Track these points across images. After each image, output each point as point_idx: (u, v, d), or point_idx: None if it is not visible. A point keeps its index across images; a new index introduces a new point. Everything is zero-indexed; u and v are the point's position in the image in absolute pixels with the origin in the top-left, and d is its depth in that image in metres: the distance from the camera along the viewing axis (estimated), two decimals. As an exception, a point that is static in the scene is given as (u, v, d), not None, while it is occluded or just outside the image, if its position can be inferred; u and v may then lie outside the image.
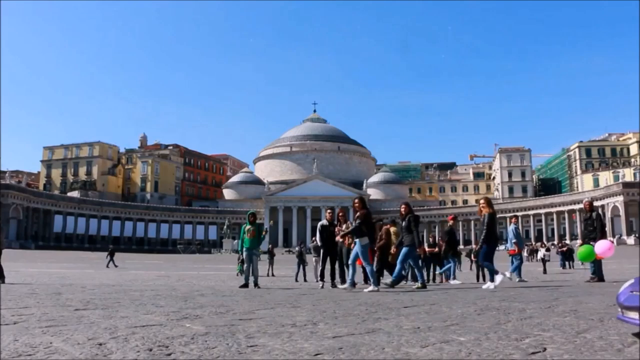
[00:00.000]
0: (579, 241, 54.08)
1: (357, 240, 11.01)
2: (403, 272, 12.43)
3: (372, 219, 11.79)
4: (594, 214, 13.56)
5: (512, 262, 15.71)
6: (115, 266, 31.29)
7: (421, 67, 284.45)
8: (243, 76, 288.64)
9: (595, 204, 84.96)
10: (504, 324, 5.24)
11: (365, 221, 11.00)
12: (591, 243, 13.07)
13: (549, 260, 27.75)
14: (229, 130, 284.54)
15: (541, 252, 27.58)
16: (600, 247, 12.13)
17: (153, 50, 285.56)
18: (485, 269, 12.86)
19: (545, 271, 23.56)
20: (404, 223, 11.65)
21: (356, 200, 11.60)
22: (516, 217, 17.20)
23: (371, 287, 10.66)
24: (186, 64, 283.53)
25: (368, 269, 11.25)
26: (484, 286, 11.48)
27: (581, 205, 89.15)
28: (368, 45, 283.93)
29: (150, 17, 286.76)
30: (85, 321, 5.55)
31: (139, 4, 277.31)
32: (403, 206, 11.88)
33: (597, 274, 13.04)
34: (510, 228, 15.97)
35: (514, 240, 15.58)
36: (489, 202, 11.50)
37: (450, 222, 17.38)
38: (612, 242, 13.22)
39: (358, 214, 11.13)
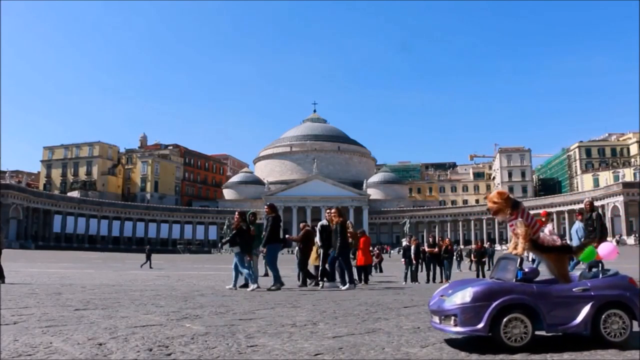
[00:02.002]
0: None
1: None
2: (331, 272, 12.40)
3: (280, 223, 11.92)
4: (594, 214, 13.52)
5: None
6: (150, 267, 30.34)
7: (421, 67, 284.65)
8: (243, 76, 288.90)
9: (595, 204, 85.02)
10: (504, 324, 5.24)
11: (274, 225, 11.37)
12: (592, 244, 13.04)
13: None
14: (229, 130, 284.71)
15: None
16: (604, 250, 12.09)
17: (153, 50, 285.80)
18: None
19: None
20: (226, 223, 11.92)
21: (266, 206, 12.17)
22: (581, 213, 16.37)
23: (346, 286, 11.28)
24: (186, 64, 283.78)
25: (245, 272, 11.61)
26: (343, 287, 11.62)
27: (581, 205, 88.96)
28: (368, 45, 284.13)
29: (150, 17, 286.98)
30: (85, 321, 5.55)
31: (139, 4, 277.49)
32: (333, 210, 12.05)
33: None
34: (578, 225, 14.79)
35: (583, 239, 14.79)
36: (339, 212, 11.89)
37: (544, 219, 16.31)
38: (615, 244, 13.09)
39: (233, 224, 11.82)
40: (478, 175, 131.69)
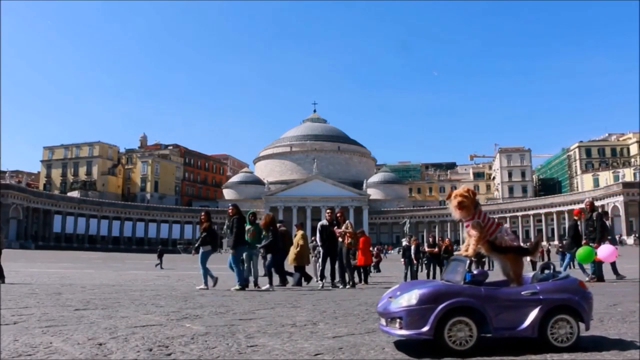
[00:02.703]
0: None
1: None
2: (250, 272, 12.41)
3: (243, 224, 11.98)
4: (594, 214, 13.50)
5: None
6: (161, 268, 30.24)
7: (421, 67, 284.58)
8: (243, 76, 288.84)
9: (595, 204, 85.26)
10: (504, 324, 5.24)
11: (240, 227, 11.55)
12: (590, 244, 13.03)
13: (538, 262, 26.77)
14: (229, 130, 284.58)
15: None
16: (603, 252, 12.09)
17: (153, 50, 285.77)
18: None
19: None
20: (226, 223, 12.01)
21: (230, 207, 12.29)
22: (582, 211, 16.00)
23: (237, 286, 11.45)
24: (186, 64, 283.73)
25: (202, 271, 11.77)
26: (264, 287, 11.66)
27: (581, 205, 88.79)
28: (368, 45, 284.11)
29: (151, 17, 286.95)
30: (85, 321, 5.56)
31: (139, 4, 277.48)
32: (230, 208, 12.18)
33: (597, 274, 13.00)
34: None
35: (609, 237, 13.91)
36: (238, 209, 12.02)
37: (576, 217, 15.80)
38: (615, 245, 13.03)
39: (204, 225, 12.08)
40: (478, 175, 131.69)
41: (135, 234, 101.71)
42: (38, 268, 24.77)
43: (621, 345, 4.09)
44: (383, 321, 3.95)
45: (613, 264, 13.28)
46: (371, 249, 19.78)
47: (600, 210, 14.47)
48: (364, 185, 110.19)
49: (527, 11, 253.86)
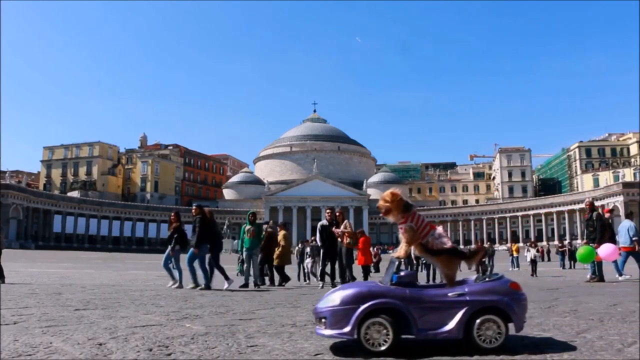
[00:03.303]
0: (578, 241, 53.90)
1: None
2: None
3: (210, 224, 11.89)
4: (594, 214, 13.48)
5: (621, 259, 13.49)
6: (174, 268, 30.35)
7: (421, 67, 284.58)
8: (243, 76, 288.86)
9: (595, 204, 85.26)
10: (504, 324, 5.24)
11: (202, 226, 11.41)
12: (590, 244, 13.01)
13: (538, 262, 24.97)
14: (229, 130, 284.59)
15: (531, 253, 24.54)
16: (604, 251, 12.06)
17: (153, 50, 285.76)
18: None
19: (534, 273, 21.88)
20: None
21: (193, 207, 12.11)
22: (611, 210, 15.80)
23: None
24: (186, 64, 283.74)
25: (176, 271, 11.81)
26: (169, 285, 11.59)
27: (581, 205, 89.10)
28: (368, 45, 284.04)
29: (151, 17, 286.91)
30: (85, 321, 5.56)
31: (139, 4, 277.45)
32: (194, 208, 12.05)
33: (598, 274, 12.98)
34: (630, 224, 13.41)
35: (635, 238, 13.11)
36: (201, 209, 11.88)
37: (607, 215, 14.77)
38: (616, 246, 12.90)
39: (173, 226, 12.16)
40: (478, 175, 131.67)
41: (135, 234, 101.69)
42: (38, 268, 24.75)
43: (553, 345, 4.07)
44: (314, 320, 3.99)
45: (615, 263, 13.19)
46: (371, 249, 19.78)
47: (609, 208, 14.41)
48: (364, 185, 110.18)
49: (527, 11, 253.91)
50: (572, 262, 30.99)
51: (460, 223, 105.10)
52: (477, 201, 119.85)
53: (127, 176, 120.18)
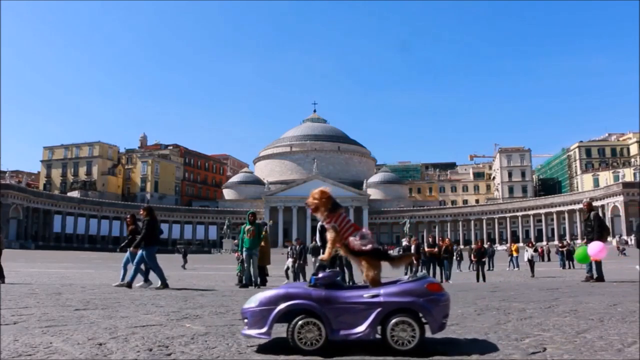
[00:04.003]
0: (578, 241, 53.82)
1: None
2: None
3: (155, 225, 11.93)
4: (592, 215, 13.49)
5: None
6: (184, 268, 30.33)
7: (421, 67, 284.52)
8: (243, 76, 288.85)
9: (595, 204, 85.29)
10: (504, 324, 5.24)
11: (149, 227, 11.51)
12: (587, 244, 13.02)
13: (536, 262, 25.18)
14: (229, 130, 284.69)
15: (528, 253, 24.37)
16: (592, 248, 12.11)
17: (153, 50, 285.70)
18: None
19: (532, 274, 21.23)
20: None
21: (142, 209, 12.12)
22: None
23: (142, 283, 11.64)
24: (186, 64, 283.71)
25: (133, 270, 11.76)
26: (138, 285, 11.62)
27: (582, 206, 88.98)
28: (368, 45, 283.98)
29: (150, 17, 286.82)
30: (85, 321, 5.55)
31: (139, 4, 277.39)
32: (142, 210, 12.10)
33: (598, 273, 12.96)
34: None
35: None
36: (149, 210, 11.98)
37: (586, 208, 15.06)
38: (607, 243, 12.92)
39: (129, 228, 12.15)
40: (478, 175, 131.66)
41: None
42: (38, 268, 24.78)
43: (472, 345, 4.04)
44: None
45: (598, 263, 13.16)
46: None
47: (587, 202, 14.34)
48: (364, 185, 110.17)
49: (527, 11, 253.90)
50: (571, 262, 30.98)
51: (460, 223, 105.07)
52: (477, 201, 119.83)
53: (127, 176, 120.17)
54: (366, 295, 3.74)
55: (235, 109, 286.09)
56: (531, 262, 22.68)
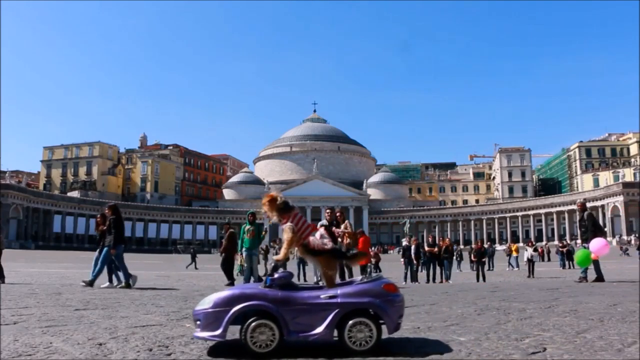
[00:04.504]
0: (579, 241, 53.75)
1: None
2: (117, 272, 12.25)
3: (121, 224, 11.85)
4: (585, 215, 13.41)
5: None
6: (196, 268, 30.44)
7: (421, 67, 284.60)
8: (243, 76, 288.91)
9: (595, 204, 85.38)
10: (504, 324, 5.24)
11: (118, 226, 11.47)
12: (584, 245, 12.95)
13: (536, 261, 24.83)
14: (229, 130, 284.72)
15: (528, 253, 24.00)
16: (595, 245, 12.07)
17: (153, 50, 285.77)
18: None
19: (531, 274, 20.87)
20: (107, 223, 11.85)
21: (107, 207, 12.10)
22: None
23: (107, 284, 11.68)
24: (186, 64, 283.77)
25: (97, 269, 11.77)
26: (103, 285, 11.61)
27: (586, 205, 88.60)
28: (368, 45, 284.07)
29: (150, 17, 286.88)
30: (85, 321, 5.55)
31: (139, 4, 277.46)
32: (107, 209, 12.06)
33: (597, 273, 12.92)
34: None
35: None
36: (114, 209, 11.95)
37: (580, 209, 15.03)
38: (607, 240, 12.91)
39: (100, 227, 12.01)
40: (478, 175, 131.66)
41: (134, 234, 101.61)
42: (38, 268, 24.77)
43: (431, 345, 4.04)
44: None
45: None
46: (372, 249, 19.80)
47: (581, 202, 14.24)
48: (364, 185, 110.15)
49: (527, 11, 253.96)
50: (571, 262, 30.98)
51: (460, 223, 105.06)
52: (477, 201, 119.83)
53: (127, 176, 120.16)
54: (323, 296, 3.71)
55: (235, 109, 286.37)
56: (531, 262, 22.56)
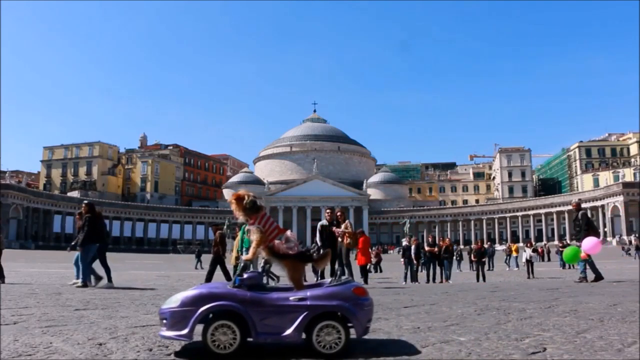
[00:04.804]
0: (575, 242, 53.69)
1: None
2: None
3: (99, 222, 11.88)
4: (579, 214, 13.47)
5: None
6: (202, 268, 30.51)
7: (421, 67, 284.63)
8: (243, 76, 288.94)
9: (595, 204, 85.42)
10: (504, 324, 5.24)
11: (91, 225, 11.42)
12: (575, 243, 12.98)
13: (535, 262, 24.58)
14: (229, 130, 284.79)
15: (527, 253, 23.69)
16: (587, 244, 12.10)
17: (153, 50, 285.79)
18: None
19: (530, 275, 20.58)
20: (81, 222, 11.80)
21: (83, 205, 12.12)
22: None
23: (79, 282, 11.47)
24: (186, 64, 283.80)
25: (77, 267, 11.84)
26: (71, 283, 11.57)
27: (582, 205, 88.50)
28: (368, 45, 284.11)
29: (150, 17, 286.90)
30: (85, 321, 5.55)
31: (139, 4, 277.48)
32: (83, 206, 12.08)
33: (594, 272, 12.91)
34: None
35: None
36: (90, 207, 11.92)
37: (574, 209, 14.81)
38: (599, 240, 12.91)
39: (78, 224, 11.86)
40: (478, 175, 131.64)
41: (135, 234, 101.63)
42: (38, 268, 24.76)
43: (401, 346, 4.03)
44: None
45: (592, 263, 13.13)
46: (372, 249, 19.80)
47: (576, 202, 14.30)
48: (364, 185, 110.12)
49: (527, 11, 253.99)
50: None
51: (460, 223, 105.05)
52: (477, 201, 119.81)
53: (127, 176, 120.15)
54: (292, 298, 3.69)
55: (235, 109, 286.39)
56: (530, 262, 22.42)
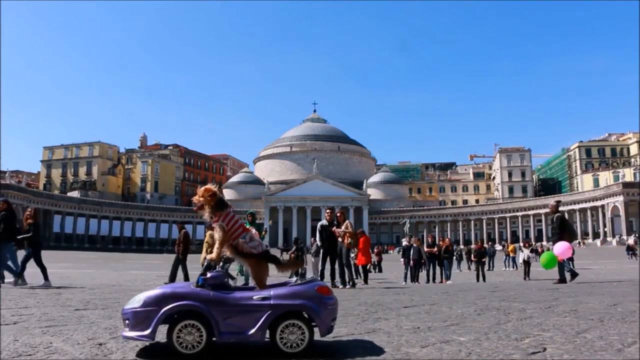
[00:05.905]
0: (575, 242, 53.77)
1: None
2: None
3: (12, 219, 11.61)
4: (555, 217, 13.35)
5: None
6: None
7: (421, 66, 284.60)
8: (243, 76, 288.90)
9: (595, 204, 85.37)
10: (504, 324, 5.24)
11: (7, 222, 11.14)
12: (550, 248, 12.94)
13: (533, 262, 24.11)
14: (229, 130, 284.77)
15: (524, 254, 23.43)
16: (557, 248, 12.13)
17: (153, 50, 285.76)
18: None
19: (527, 276, 20.24)
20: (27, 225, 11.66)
21: (29, 210, 11.99)
22: None
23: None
24: (186, 64, 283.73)
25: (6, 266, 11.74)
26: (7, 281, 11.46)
27: (582, 206, 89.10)
28: (368, 45, 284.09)
29: (151, 17, 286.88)
30: (85, 321, 5.55)
31: (139, 4, 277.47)
32: (29, 210, 11.96)
33: (560, 275, 12.96)
34: None
35: None
36: (6, 205, 11.64)
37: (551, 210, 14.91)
38: (571, 243, 12.93)
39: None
40: (478, 175, 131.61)
41: (135, 234, 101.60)
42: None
43: (366, 348, 4.01)
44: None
45: (570, 261, 13.18)
46: (372, 249, 19.80)
47: (554, 204, 14.25)
48: (364, 185, 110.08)
49: (527, 11, 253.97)
50: (571, 263, 30.82)
51: (460, 223, 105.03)
52: (477, 201, 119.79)
53: (127, 176, 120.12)
54: (256, 297, 3.68)
55: (235, 109, 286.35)
56: (527, 263, 22.25)
